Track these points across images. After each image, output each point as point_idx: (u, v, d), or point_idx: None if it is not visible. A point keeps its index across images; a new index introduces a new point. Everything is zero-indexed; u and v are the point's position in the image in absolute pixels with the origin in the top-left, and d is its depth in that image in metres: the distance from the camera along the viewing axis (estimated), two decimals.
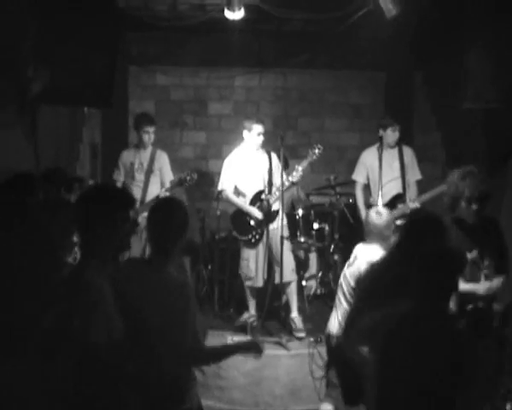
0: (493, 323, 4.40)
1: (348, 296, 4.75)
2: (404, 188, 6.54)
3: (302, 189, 7.66)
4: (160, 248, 3.36)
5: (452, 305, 3.81)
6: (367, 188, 6.78)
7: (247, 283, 6.42)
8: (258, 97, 9.00)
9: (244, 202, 6.43)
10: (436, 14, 6.52)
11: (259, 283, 6.38)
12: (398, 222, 6.44)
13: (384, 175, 6.29)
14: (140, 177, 6.72)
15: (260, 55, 8.61)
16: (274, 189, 6.32)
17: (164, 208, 3.46)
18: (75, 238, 3.42)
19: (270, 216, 6.29)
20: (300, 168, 6.22)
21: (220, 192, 6.56)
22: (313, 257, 7.52)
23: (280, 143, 6.27)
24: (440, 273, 3.24)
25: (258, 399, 5.66)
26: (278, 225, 6.19)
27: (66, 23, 5.62)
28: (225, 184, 6.52)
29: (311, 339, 5.88)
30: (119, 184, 6.70)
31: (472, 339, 3.42)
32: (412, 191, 6.53)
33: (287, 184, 6.22)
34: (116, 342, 2.93)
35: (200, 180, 8.70)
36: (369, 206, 6.62)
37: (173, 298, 3.22)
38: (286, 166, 6.61)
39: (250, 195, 6.41)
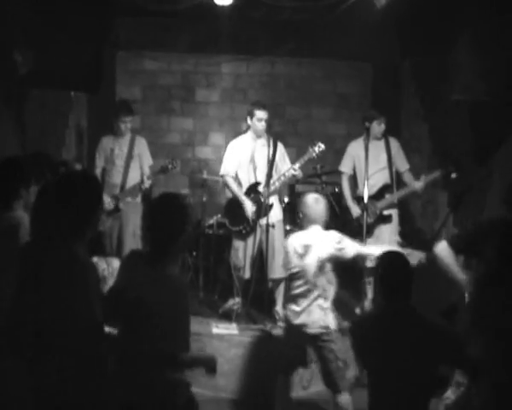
0: None
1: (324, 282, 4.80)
2: (391, 179, 6.61)
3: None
4: (159, 246, 3.20)
5: None
6: (353, 179, 6.81)
7: (235, 273, 6.42)
8: (245, 85, 8.98)
9: (241, 192, 6.38)
10: (425, 4, 6.52)
11: (246, 274, 6.37)
12: (386, 212, 6.54)
13: (370, 167, 6.32)
14: (120, 163, 6.79)
15: (248, 42, 8.57)
16: (273, 180, 6.27)
17: (165, 204, 3.31)
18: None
19: (262, 210, 6.17)
20: (298, 165, 6.21)
21: (222, 177, 6.55)
22: None
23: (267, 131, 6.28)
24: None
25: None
26: (277, 219, 6.29)
27: (52, 7, 5.58)
28: (227, 169, 6.46)
29: None
30: (98, 170, 6.80)
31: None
32: (408, 178, 6.57)
33: (283, 178, 6.25)
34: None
35: (186, 167, 8.77)
36: (356, 197, 6.66)
37: (172, 300, 3.10)
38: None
39: (246, 184, 6.38)
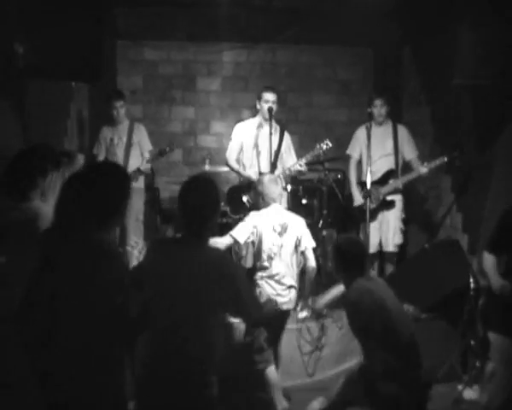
0: None
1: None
2: (396, 164, 6.61)
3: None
4: (194, 228, 3.23)
5: None
6: (360, 164, 6.80)
7: (237, 262, 6.41)
8: (246, 73, 8.96)
9: (245, 171, 6.40)
10: None
11: (248, 263, 6.38)
12: (389, 198, 6.54)
13: (375, 152, 6.33)
14: (120, 151, 6.91)
15: (249, 30, 8.55)
16: (278, 172, 6.25)
17: (197, 187, 3.35)
18: None
19: None
20: (304, 161, 6.21)
21: (226, 163, 6.61)
22: None
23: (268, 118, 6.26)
24: None
25: None
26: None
27: None
28: (229, 155, 6.52)
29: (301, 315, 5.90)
30: (100, 158, 6.94)
31: None
32: (417, 164, 6.55)
33: (288, 173, 6.27)
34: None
35: (188, 156, 8.77)
36: (360, 183, 6.66)
37: (216, 271, 3.15)
38: None
39: (249, 169, 6.39)
